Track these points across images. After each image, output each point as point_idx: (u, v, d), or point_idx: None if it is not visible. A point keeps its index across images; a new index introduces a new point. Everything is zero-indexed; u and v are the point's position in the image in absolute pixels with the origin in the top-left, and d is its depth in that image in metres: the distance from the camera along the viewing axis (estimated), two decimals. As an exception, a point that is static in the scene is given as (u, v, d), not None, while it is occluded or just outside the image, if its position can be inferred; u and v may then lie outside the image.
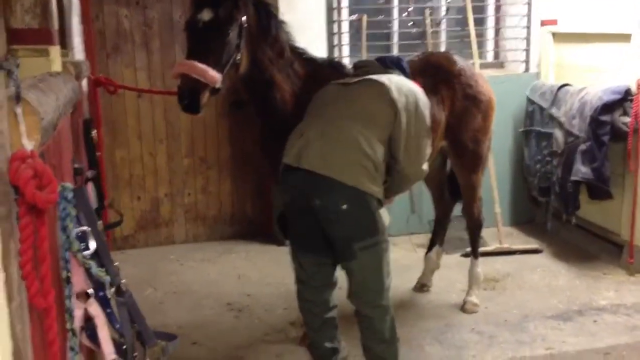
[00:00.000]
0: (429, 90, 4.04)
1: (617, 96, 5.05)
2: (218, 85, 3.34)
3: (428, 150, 3.55)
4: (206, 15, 3.36)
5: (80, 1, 5.33)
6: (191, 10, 3.47)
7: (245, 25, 3.45)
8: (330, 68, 4.01)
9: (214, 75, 3.29)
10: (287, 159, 3.31)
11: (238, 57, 3.44)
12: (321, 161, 3.19)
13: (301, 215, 3.33)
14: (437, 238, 5.01)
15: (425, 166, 3.58)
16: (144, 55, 5.95)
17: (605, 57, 5.53)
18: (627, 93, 5.04)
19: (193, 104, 3.32)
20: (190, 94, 3.30)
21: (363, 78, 3.57)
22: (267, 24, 3.62)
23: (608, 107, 5.06)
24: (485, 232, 5.28)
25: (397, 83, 3.50)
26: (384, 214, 3.27)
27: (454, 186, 4.81)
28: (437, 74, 4.29)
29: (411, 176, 3.55)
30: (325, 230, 3.26)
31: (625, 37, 5.20)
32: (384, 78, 3.52)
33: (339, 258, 3.34)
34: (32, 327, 1.37)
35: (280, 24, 3.76)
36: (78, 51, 4.65)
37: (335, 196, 3.16)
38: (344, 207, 3.15)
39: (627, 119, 5.03)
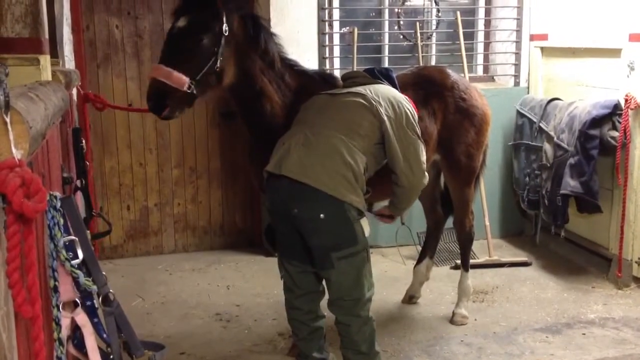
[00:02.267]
0: (421, 103, 4.07)
1: (606, 111, 5.09)
2: (185, 88, 3.32)
3: (424, 154, 3.57)
4: (182, 22, 3.44)
5: (71, 11, 5.34)
6: (172, 20, 3.54)
7: (226, 34, 3.45)
8: (321, 80, 4.02)
9: (179, 78, 3.30)
10: (269, 167, 3.35)
11: (217, 66, 3.44)
12: (301, 169, 3.21)
13: (283, 223, 3.36)
14: (428, 250, 5.01)
15: (426, 172, 3.59)
16: (134, 65, 5.95)
17: (595, 72, 5.57)
18: (616, 107, 5.07)
19: (157, 106, 3.38)
20: (155, 96, 3.35)
21: (350, 90, 3.59)
22: (256, 35, 3.63)
23: (597, 122, 5.10)
24: (475, 245, 5.29)
25: (384, 94, 3.54)
26: (365, 224, 3.28)
27: (447, 199, 4.83)
28: (429, 87, 4.29)
29: (416, 185, 3.55)
30: (305, 239, 3.28)
31: (614, 52, 5.25)
32: (371, 89, 3.55)
33: (317, 266, 3.36)
34: (18, 336, 1.37)
35: (270, 35, 3.76)
36: (68, 60, 4.64)
37: (314, 205, 3.19)
38: (322, 216, 3.18)
39: (615, 134, 5.06)
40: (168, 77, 3.30)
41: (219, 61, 3.43)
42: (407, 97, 3.69)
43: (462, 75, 5.93)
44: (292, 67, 3.93)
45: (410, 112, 3.55)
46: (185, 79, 3.31)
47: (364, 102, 3.47)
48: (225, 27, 3.44)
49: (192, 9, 3.45)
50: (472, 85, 4.67)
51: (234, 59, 3.56)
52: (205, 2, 3.44)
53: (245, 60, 3.61)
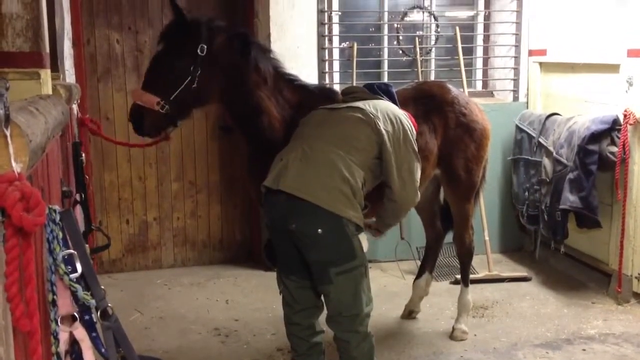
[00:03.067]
0: (421, 118, 4.09)
1: (605, 126, 5.10)
2: (156, 108, 3.51)
3: (419, 172, 3.58)
4: (159, 46, 3.70)
5: (72, 25, 5.36)
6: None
7: (202, 54, 3.56)
8: (322, 94, 4.03)
9: (149, 98, 3.52)
10: (267, 182, 3.35)
11: (194, 86, 3.56)
12: (298, 184, 3.22)
13: (282, 239, 3.36)
14: (427, 265, 5.00)
15: (418, 191, 3.60)
16: (135, 80, 5.96)
17: (593, 87, 5.59)
18: (615, 123, 5.09)
19: (135, 125, 3.64)
20: (131, 117, 3.63)
21: (349, 105, 3.60)
22: (246, 53, 3.70)
23: (596, 137, 5.11)
24: (474, 259, 5.27)
25: (383, 109, 3.55)
26: (363, 239, 3.28)
27: (446, 214, 4.83)
28: (430, 102, 4.30)
29: (407, 202, 3.57)
30: (303, 254, 3.27)
31: (613, 68, 5.26)
32: (369, 103, 3.57)
33: (316, 282, 3.35)
34: (16, 350, 1.36)
35: (263, 52, 3.83)
36: (69, 75, 4.66)
37: (312, 220, 3.19)
38: (320, 231, 3.17)
39: (614, 149, 5.07)
40: (140, 98, 3.56)
41: (195, 81, 3.56)
42: (406, 114, 3.70)
43: (462, 90, 5.94)
44: (291, 81, 3.96)
45: (409, 129, 3.56)
46: (154, 99, 3.51)
47: (362, 116, 3.48)
48: (201, 48, 3.55)
49: (171, 33, 3.66)
50: (472, 100, 4.69)
51: (218, 78, 3.65)
52: (181, 26, 3.62)
53: (235, 78, 3.69)
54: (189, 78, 3.54)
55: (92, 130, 4.77)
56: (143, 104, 3.54)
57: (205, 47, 3.56)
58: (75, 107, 4.22)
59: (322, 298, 3.48)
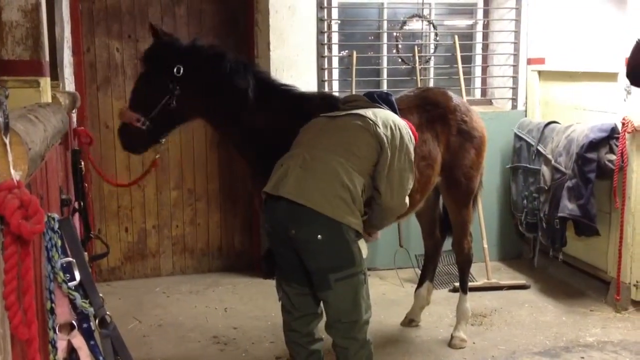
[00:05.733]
0: (425, 126, 4.11)
1: (603, 134, 5.11)
2: (137, 124, 3.70)
3: (410, 184, 3.58)
4: (142, 68, 3.95)
5: (72, 33, 5.37)
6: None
7: (179, 74, 3.71)
8: (321, 102, 4.04)
9: (130, 115, 3.72)
10: (267, 188, 3.36)
11: (173, 104, 3.72)
12: (299, 190, 3.23)
13: (282, 245, 3.36)
14: (427, 274, 5.00)
15: (407, 200, 3.61)
16: (134, 88, 5.97)
17: (592, 96, 5.60)
18: (613, 131, 5.10)
19: (121, 141, 3.86)
20: (118, 133, 3.87)
21: (349, 112, 3.62)
22: (219, 72, 3.80)
23: (594, 145, 5.12)
24: (473, 267, 5.27)
25: (383, 117, 3.56)
26: (362, 246, 3.29)
27: (445, 221, 4.84)
28: (434, 109, 4.33)
29: (393, 209, 3.57)
30: (303, 260, 3.28)
31: (611, 76, 5.28)
32: (370, 112, 3.57)
33: (315, 288, 3.36)
34: (14, 358, 1.36)
35: (239, 68, 3.87)
36: (68, 83, 4.67)
37: (312, 226, 3.20)
38: (320, 237, 3.18)
39: (613, 157, 5.08)
40: (122, 116, 3.80)
41: (174, 101, 3.72)
42: (407, 123, 3.71)
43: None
44: (287, 92, 4.00)
45: (408, 138, 3.56)
46: (134, 116, 3.71)
47: (362, 123, 3.49)
48: (177, 69, 3.71)
49: (151, 54, 3.87)
50: (472, 108, 4.72)
51: (197, 97, 3.80)
52: (159, 48, 3.85)
53: (214, 97, 3.83)
54: (167, 97, 3.72)
55: (82, 143, 4.78)
56: (125, 120, 3.75)
57: (182, 67, 3.71)
58: (74, 114, 4.24)
59: (322, 305, 3.48)
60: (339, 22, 6.40)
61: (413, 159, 3.59)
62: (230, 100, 3.81)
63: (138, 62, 5.90)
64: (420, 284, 5.00)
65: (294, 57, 5.96)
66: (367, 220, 3.69)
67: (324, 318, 3.49)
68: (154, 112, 3.71)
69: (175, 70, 3.70)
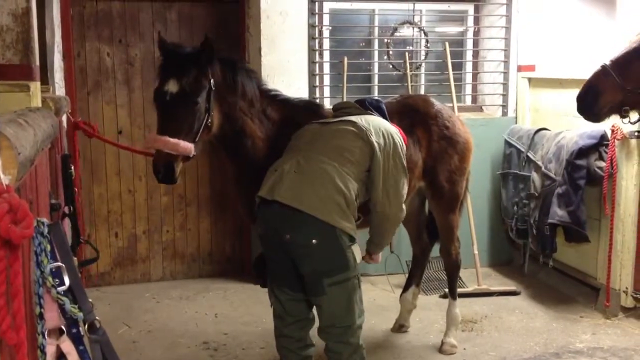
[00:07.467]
0: (406, 132, 4.12)
1: (593, 141, 5.14)
2: (192, 154, 3.42)
3: (405, 189, 3.60)
4: (172, 87, 3.41)
5: (63, 38, 5.37)
6: (158, 80, 3.48)
7: (214, 88, 3.50)
8: (305, 109, 4.05)
9: (186, 147, 3.37)
10: (261, 192, 3.36)
11: (209, 121, 3.49)
12: (293, 194, 3.23)
13: (275, 250, 3.36)
14: (414, 278, 5.00)
15: (404, 206, 3.62)
16: (125, 93, 5.96)
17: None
18: (603, 138, 5.13)
19: (167, 177, 3.42)
20: (164, 168, 3.39)
21: (342, 119, 3.63)
22: (234, 78, 3.67)
23: (584, 152, 5.14)
24: (464, 273, 5.29)
25: (375, 124, 3.58)
26: (356, 251, 3.30)
27: (432, 227, 4.85)
28: (414, 115, 4.37)
29: (391, 218, 3.58)
30: (297, 265, 3.28)
31: (600, 83, 5.29)
32: (362, 118, 3.60)
33: (308, 293, 3.36)
34: (2, 364, 1.36)
35: (246, 74, 3.79)
36: (59, 87, 4.66)
37: (306, 230, 3.21)
38: (314, 241, 3.19)
39: (602, 164, 5.10)
40: (175, 148, 3.35)
41: (210, 116, 3.49)
42: (398, 130, 3.73)
43: (451, 105, 5.98)
44: (274, 98, 3.96)
45: (399, 145, 3.60)
46: (191, 146, 3.38)
47: (355, 129, 3.52)
48: (212, 82, 3.49)
49: (180, 68, 3.44)
50: (455, 114, 4.75)
51: (218, 107, 3.60)
52: (192, 60, 3.46)
53: (225, 104, 3.64)
54: (206, 115, 3.47)
55: (88, 132, 4.77)
56: (178, 153, 3.36)
57: (214, 81, 3.51)
58: (64, 117, 4.22)
59: (314, 310, 3.48)
60: (330, 28, 6.41)
61: (406, 164, 3.61)
62: (237, 110, 3.69)
63: (129, 66, 5.94)
64: (406, 288, 5.00)
65: (285, 63, 5.97)
66: (368, 242, 3.70)
67: (316, 323, 3.49)
68: (198, 136, 3.44)
69: (212, 84, 3.47)
